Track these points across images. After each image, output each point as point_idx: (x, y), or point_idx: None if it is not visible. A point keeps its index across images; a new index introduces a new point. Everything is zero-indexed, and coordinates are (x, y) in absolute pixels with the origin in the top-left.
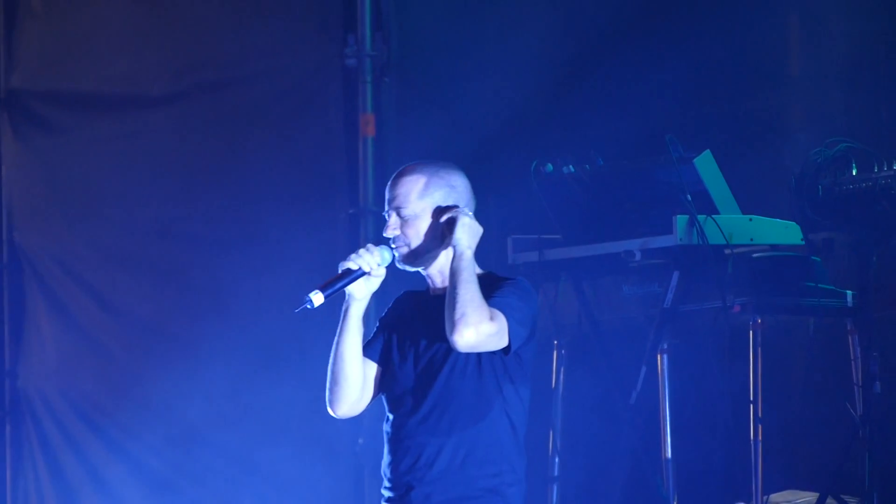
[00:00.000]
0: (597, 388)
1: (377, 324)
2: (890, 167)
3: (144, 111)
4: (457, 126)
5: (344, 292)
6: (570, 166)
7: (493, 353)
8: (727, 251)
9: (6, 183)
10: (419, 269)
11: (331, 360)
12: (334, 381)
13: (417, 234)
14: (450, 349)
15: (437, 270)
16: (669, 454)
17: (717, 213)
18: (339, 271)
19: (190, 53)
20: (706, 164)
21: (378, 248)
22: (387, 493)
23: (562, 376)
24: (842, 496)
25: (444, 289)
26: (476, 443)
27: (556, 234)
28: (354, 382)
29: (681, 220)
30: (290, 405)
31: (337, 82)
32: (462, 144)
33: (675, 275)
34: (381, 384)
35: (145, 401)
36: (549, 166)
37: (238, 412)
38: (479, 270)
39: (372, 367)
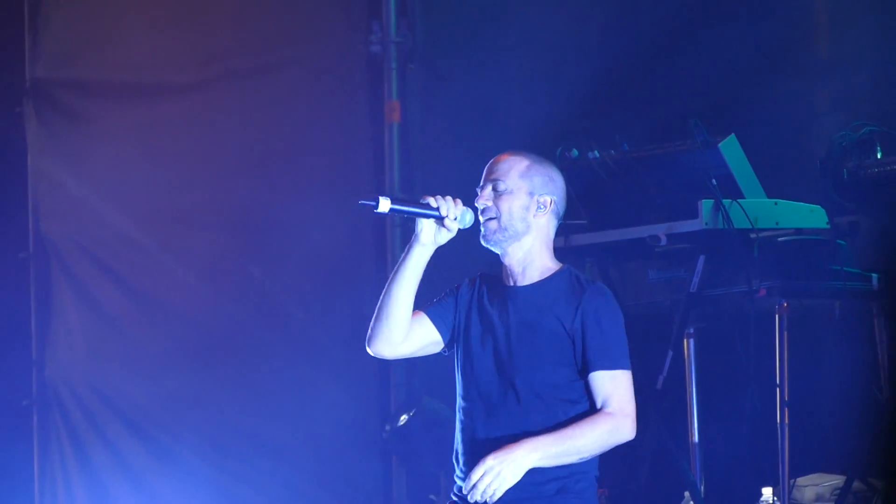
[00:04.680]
0: None
1: (447, 290)
2: None
3: (169, 99)
4: (482, 112)
5: (413, 223)
6: (596, 152)
7: (574, 350)
8: (753, 235)
9: (32, 173)
10: (499, 252)
11: (381, 297)
12: (378, 318)
13: (509, 210)
14: (531, 345)
15: (517, 260)
16: (696, 438)
17: (743, 197)
18: (420, 201)
19: (215, 41)
20: (731, 149)
21: (466, 207)
22: (459, 483)
23: None
24: (868, 479)
25: (524, 281)
26: None
27: (581, 219)
28: (399, 324)
29: (706, 205)
30: (317, 393)
31: (362, 69)
32: (487, 130)
33: (701, 259)
34: (458, 366)
35: (173, 390)
36: (575, 151)
37: (265, 399)
38: (552, 264)
39: (426, 326)
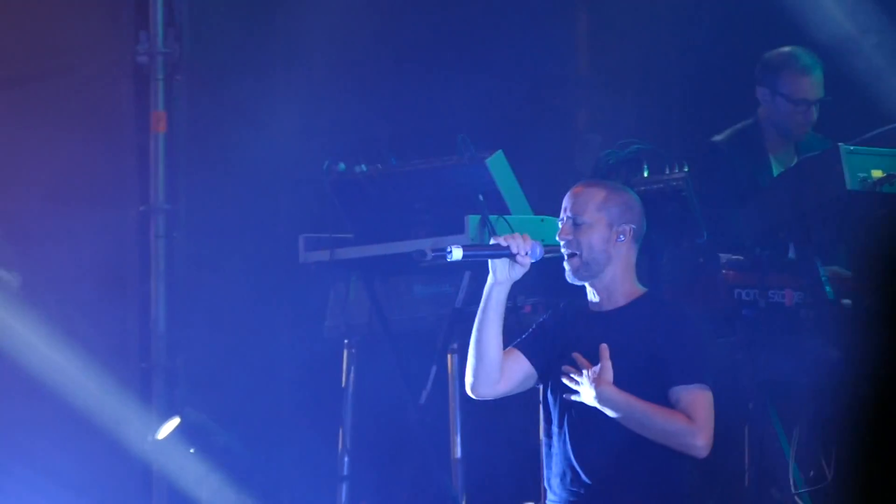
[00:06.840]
0: (387, 388)
1: (534, 324)
2: (681, 169)
3: None
4: (248, 124)
5: (486, 265)
6: (363, 165)
7: (657, 372)
8: None
9: None
10: (585, 283)
11: (471, 342)
12: (472, 362)
13: (590, 244)
14: (618, 369)
15: (604, 287)
16: (459, 454)
17: (509, 213)
18: (490, 243)
19: None
20: (498, 164)
21: (534, 241)
22: None
23: (352, 375)
24: None
25: (609, 307)
26: (642, 461)
27: (348, 233)
28: (494, 363)
29: (473, 220)
30: (78, 401)
31: (128, 79)
32: (253, 142)
33: (467, 275)
34: (547, 395)
35: None
36: (342, 165)
37: (23, 406)
38: (636, 289)
39: (520, 361)
